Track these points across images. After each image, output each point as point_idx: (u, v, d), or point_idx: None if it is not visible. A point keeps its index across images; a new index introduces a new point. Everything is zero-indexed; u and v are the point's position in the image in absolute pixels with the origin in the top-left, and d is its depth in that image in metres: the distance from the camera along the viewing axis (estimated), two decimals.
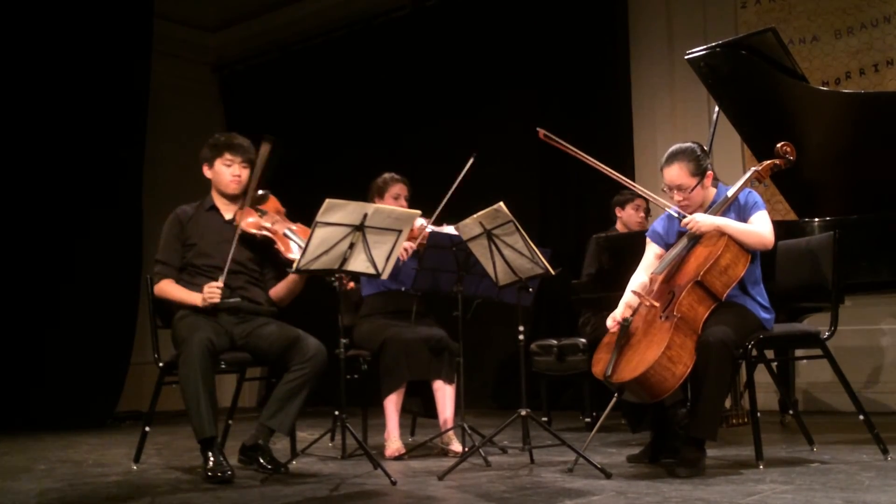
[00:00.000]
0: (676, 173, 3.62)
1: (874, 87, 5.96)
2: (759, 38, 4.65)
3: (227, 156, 4.00)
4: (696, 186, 3.61)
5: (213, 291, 3.80)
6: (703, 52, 4.76)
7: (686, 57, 4.86)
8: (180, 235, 3.99)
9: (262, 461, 3.67)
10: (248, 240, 3.96)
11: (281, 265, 4.04)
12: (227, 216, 4.04)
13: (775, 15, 6.37)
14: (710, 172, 3.64)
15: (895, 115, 4.50)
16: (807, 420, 4.23)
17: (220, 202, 4.07)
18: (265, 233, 3.94)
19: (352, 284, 4.07)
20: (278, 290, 4.05)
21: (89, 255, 6.83)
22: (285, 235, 3.98)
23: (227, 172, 4.00)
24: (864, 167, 4.63)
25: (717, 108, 5.02)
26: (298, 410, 3.72)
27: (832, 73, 6.19)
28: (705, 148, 3.74)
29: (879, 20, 6.04)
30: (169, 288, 3.94)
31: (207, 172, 4.06)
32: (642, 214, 5.64)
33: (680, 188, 3.63)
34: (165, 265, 3.97)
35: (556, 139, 3.75)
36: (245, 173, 4.02)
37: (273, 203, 4.10)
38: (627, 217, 5.63)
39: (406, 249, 4.32)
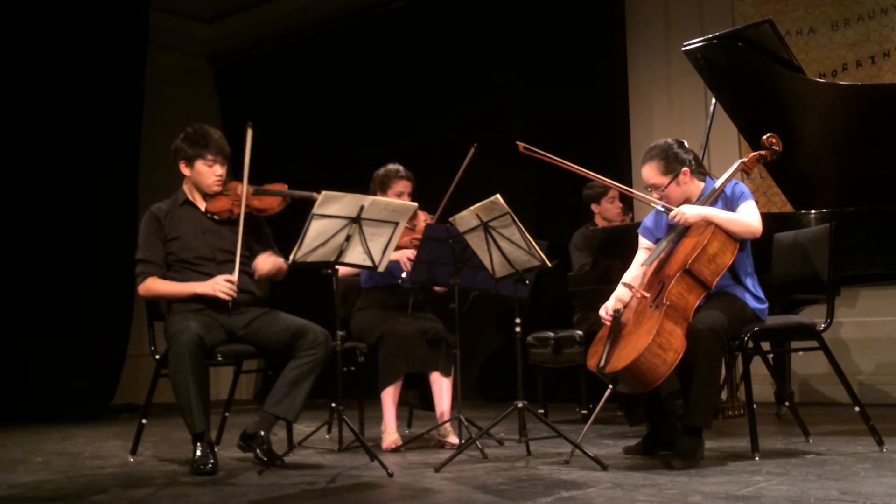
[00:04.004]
0: (648, 173, 3.69)
1: (871, 79, 5.96)
2: (756, 30, 4.65)
3: (209, 156, 3.93)
4: (669, 184, 3.65)
5: (230, 287, 3.77)
6: (700, 44, 4.76)
7: (683, 49, 4.86)
8: (159, 233, 3.92)
9: (258, 452, 3.68)
10: (231, 224, 3.94)
11: (265, 240, 4.06)
12: (203, 208, 4.00)
13: (772, 7, 6.36)
14: (685, 169, 3.65)
15: (891, 107, 4.50)
16: (802, 412, 4.24)
17: (195, 196, 4.02)
18: (245, 207, 3.93)
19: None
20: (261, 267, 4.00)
21: (85, 247, 6.83)
22: (259, 193, 4.00)
23: (210, 173, 3.94)
24: (860, 160, 4.63)
25: (713, 101, 5.02)
26: (306, 396, 3.69)
27: (829, 65, 6.19)
28: (684, 142, 3.76)
29: (876, 12, 6.03)
30: (156, 285, 3.86)
31: (185, 170, 3.98)
32: (619, 205, 5.63)
33: (654, 186, 3.69)
34: (149, 263, 3.89)
35: (537, 150, 3.77)
36: (224, 170, 3.99)
37: (231, 183, 4.05)
38: (605, 211, 5.63)
39: (410, 258, 4.31)
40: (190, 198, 4.01)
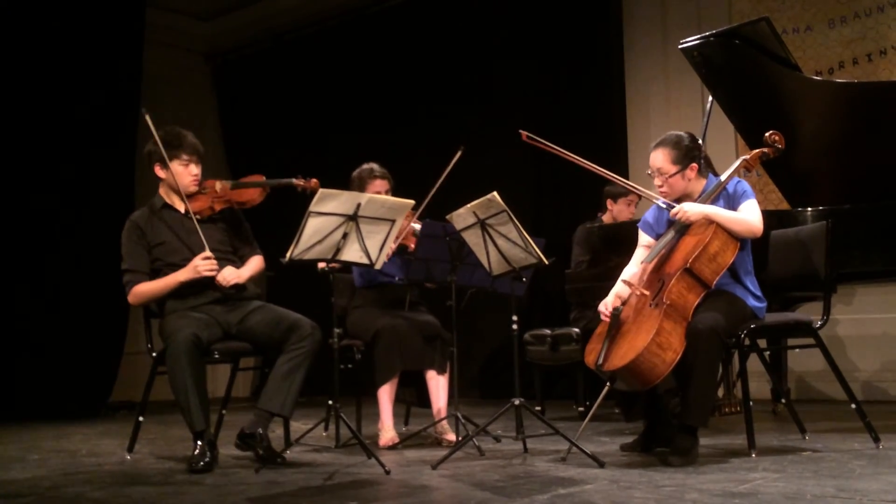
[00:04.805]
0: (659, 157, 3.67)
1: (867, 76, 5.96)
2: (753, 28, 4.65)
3: (184, 156, 3.92)
4: (675, 174, 3.64)
5: (209, 263, 3.76)
6: (697, 42, 4.76)
7: (680, 46, 4.86)
8: (142, 241, 3.91)
9: (258, 451, 3.68)
10: (213, 222, 3.95)
11: (245, 235, 4.07)
12: (182, 210, 3.99)
13: (769, 4, 6.37)
14: (694, 165, 3.65)
15: (888, 105, 4.50)
16: (799, 409, 4.24)
17: (173, 198, 4.00)
18: (223, 204, 3.95)
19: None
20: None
21: (81, 243, 6.82)
22: (237, 187, 4.00)
23: (186, 173, 3.92)
24: (856, 157, 4.64)
25: (710, 98, 5.02)
26: (299, 390, 3.69)
27: (825, 62, 6.19)
28: (698, 139, 3.76)
29: (873, 9, 6.04)
30: (143, 288, 3.85)
31: (161, 172, 3.96)
32: (633, 210, 5.63)
33: (660, 171, 3.67)
34: (135, 272, 3.88)
35: (540, 140, 3.77)
36: (199, 169, 3.98)
37: (207, 182, 4.05)
38: (618, 211, 5.62)
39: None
40: (168, 201, 4.00)
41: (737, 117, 5.07)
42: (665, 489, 2.87)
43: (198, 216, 3.90)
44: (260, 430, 3.66)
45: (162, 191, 4.03)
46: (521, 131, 3.77)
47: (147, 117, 3.85)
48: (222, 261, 3.88)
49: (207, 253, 3.79)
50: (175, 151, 3.90)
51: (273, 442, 3.80)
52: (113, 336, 6.98)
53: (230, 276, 3.84)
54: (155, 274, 3.90)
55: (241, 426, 3.75)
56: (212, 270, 3.77)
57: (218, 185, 4.00)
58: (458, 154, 4.31)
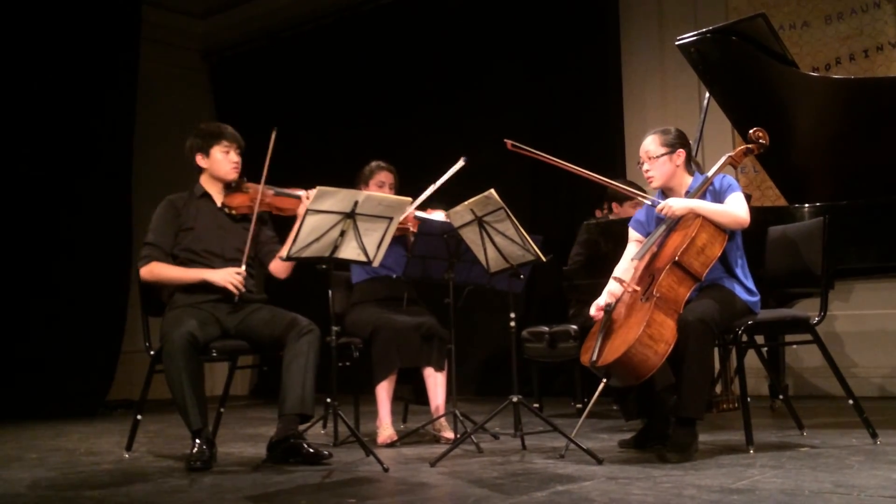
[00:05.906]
0: (649, 142, 3.76)
1: (864, 72, 5.96)
2: (750, 24, 4.65)
3: (224, 143, 3.97)
4: (662, 156, 3.70)
5: (240, 280, 3.79)
6: (694, 38, 4.76)
7: (676, 43, 4.86)
8: (174, 221, 3.93)
9: (302, 453, 3.64)
10: (245, 222, 3.95)
11: (272, 235, 4.07)
12: (220, 203, 4.02)
13: (765, 0, 6.37)
14: (681, 151, 3.71)
15: (885, 100, 4.50)
16: (796, 405, 4.25)
17: (212, 189, 4.03)
18: (263, 207, 3.96)
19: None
20: (277, 267, 4.03)
21: (79, 242, 6.82)
22: (279, 195, 4.01)
23: (226, 160, 3.97)
24: (853, 153, 4.64)
25: (707, 94, 5.03)
26: (314, 386, 3.67)
27: (822, 58, 6.20)
28: (687, 136, 3.82)
29: (869, 5, 6.04)
30: (162, 269, 3.86)
31: (202, 161, 3.99)
32: None
33: (648, 155, 3.73)
34: (157, 248, 3.89)
35: (525, 148, 3.77)
36: (239, 159, 4.01)
37: (249, 184, 4.07)
38: (625, 214, 5.60)
39: None
40: (207, 191, 4.03)
41: (733, 114, 5.07)
42: (663, 485, 2.88)
43: (234, 212, 3.94)
44: (292, 434, 3.62)
45: (203, 180, 4.05)
46: (506, 140, 3.78)
47: (273, 135, 3.89)
48: (238, 262, 3.89)
49: (243, 270, 3.82)
50: (216, 139, 3.97)
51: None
52: (111, 334, 6.98)
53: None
54: (173, 258, 3.91)
55: (270, 437, 3.72)
56: (236, 289, 3.79)
57: (261, 187, 3.98)
58: (460, 164, 4.19)
